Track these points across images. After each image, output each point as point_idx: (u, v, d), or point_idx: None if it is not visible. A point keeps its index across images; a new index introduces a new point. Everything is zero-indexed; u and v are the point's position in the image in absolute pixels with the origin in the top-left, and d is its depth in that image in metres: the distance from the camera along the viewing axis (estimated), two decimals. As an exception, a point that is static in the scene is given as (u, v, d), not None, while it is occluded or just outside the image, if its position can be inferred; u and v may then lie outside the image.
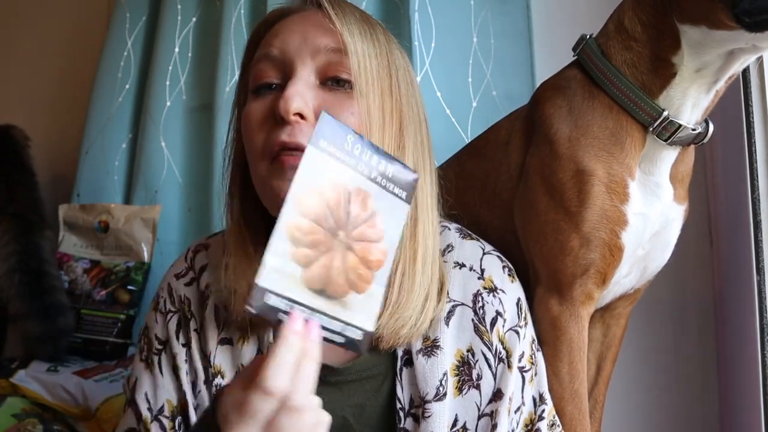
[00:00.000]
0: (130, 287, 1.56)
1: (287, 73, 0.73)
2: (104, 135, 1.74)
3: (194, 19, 1.70)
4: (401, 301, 0.74)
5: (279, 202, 0.70)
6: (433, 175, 0.80)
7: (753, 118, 1.10)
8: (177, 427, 0.79)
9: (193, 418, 0.78)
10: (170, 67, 1.67)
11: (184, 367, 0.80)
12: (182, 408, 0.79)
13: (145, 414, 0.79)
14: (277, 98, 0.72)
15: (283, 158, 0.70)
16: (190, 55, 1.69)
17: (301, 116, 0.70)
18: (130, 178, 1.73)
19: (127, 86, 1.76)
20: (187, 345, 0.81)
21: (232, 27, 1.58)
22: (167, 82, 1.67)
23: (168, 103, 1.67)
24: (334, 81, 0.73)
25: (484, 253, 0.82)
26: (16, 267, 1.46)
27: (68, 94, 2.01)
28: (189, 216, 1.67)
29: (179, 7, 1.68)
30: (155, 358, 0.81)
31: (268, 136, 0.72)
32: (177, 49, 1.68)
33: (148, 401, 0.80)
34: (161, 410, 0.79)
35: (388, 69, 0.75)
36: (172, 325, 0.82)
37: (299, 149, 0.69)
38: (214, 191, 1.56)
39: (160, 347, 0.82)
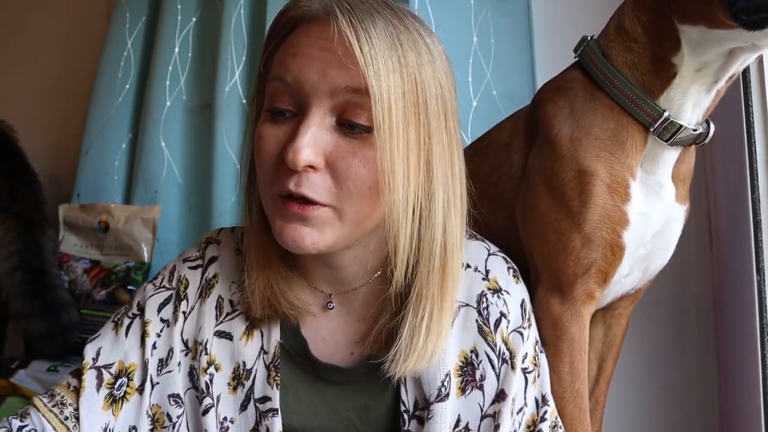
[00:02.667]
0: (130, 287, 1.56)
1: (302, 107, 0.68)
2: (104, 135, 1.74)
3: (194, 19, 1.69)
4: (429, 348, 0.72)
5: (278, 237, 0.70)
6: (463, 214, 0.76)
7: (753, 118, 1.11)
8: (116, 387, 0.78)
9: (149, 390, 0.78)
10: (170, 67, 1.67)
11: (153, 338, 0.80)
12: (142, 374, 0.79)
13: (88, 361, 0.79)
14: (289, 135, 0.67)
15: (288, 202, 0.68)
16: (190, 55, 1.69)
17: (311, 166, 0.66)
18: (130, 178, 1.73)
19: (127, 86, 1.75)
20: (170, 323, 0.81)
21: (232, 27, 1.58)
22: (167, 82, 1.67)
23: (168, 103, 1.66)
24: (349, 125, 0.67)
25: (489, 254, 0.83)
26: (18, 266, 1.46)
27: (68, 94, 2.01)
28: (189, 216, 1.67)
29: (179, 7, 1.68)
30: (126, 321, 0.82)
31: (276, 174, 0.69)
32: (177, 49, 1.68)
33: (97, 354, 0.80)
34: (108, 366, 0.79)
35: (416, 108, 0.68)
36: (158, 298, 0.82)
37: (304, 200, 0.67)
38: (214, 191, 1.56)
39: (137, 313, 0.82)
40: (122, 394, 0.78)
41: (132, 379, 0.79)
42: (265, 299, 0.77)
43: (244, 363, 0.79)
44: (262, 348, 0.79)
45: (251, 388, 0.78)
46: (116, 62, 1.76)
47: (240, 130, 1.58)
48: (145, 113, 1.68)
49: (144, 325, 0.80)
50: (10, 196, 1.54)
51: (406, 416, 0.76)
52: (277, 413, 0.77)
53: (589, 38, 0.89)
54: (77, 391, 0.78)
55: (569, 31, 1.02)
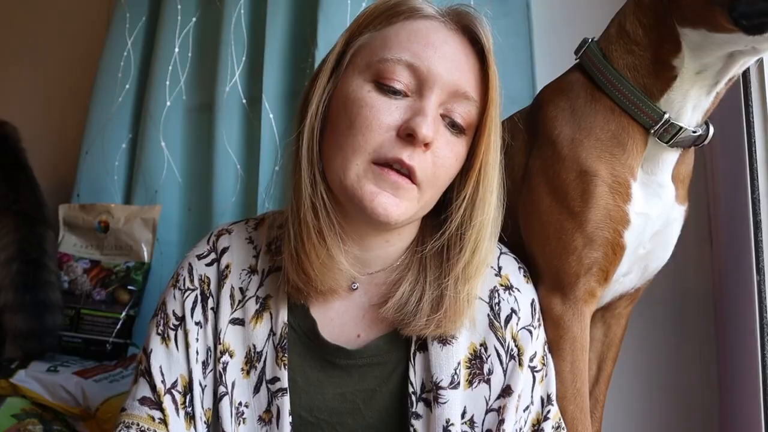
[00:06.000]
0: (130, 287, 1.56)
1: (420, 91, 0.74)
2: (104, 135, 1.74)
3: (194, 19, 1.69)
4: (460, 308, 0.77)
5: (360, 202, 0.72)
6: (501, 199, 0.80)
7: (753, 118, 1.11)
8: (187, 404, 0.79)
9: (198, 396, 0.79)
10: (170, 67, 1.67)
11: (194, 345, 0.81)
12: (190, 385, 0.80)
13: (159, 386, 0.79)
14: (404, 111, 0.73)
15: (389, 171, 0.72)
16: (190, 55, 1.69)
17: (426, 144, 0.72)
18: (130, 178, 1.73)
19: (127, 86, 1.75)
20: (202, 323, 0.82)
21: (232, 27, 1.58)
22: (167, 82, 1.67)
23: (168, 103, 1.66)
24: (452, 123, 0.75)
25: (501, 253, 0.85)
26: (15, 256, 1.43)
27: (68, 94, 2.01)
28: (189, 216, 1.67)
29: (179, 7, 1.68)
30: (172, 333, 0.82)
31: (384, 142, 0.72)
32: (177, 49, 1.68)
33: (162, 374, 0.80)
34: (174, 384, 0.80)
35: (499, 117, 0.78)
36: (189, 303, 0.83)
37: (409, 172, 0.72)
38: (214, 191, 1.56)
39: (176, 323, 0.82)
40: (193, 409, 0.80)
41: (194, 395, 0.80)
42: (321, 268, 0.76)
43: (254, 346, 0.80)
44: (271, 330, 0.80)
45: (263, 370, 0.79)
46: (116, 62, 1.76)
47: (240, 129, 1.58)
48: (145, 113, 1.68)
49: (186, 335, 0.81)
50: (12, 197, 1.52)
51: (413, 398, 0.77)
52: (286, 392, 0.78)
53: (590, 40, 0.89)
54: (165, 423, 0.78)
55: (569, 31, 1.02)
